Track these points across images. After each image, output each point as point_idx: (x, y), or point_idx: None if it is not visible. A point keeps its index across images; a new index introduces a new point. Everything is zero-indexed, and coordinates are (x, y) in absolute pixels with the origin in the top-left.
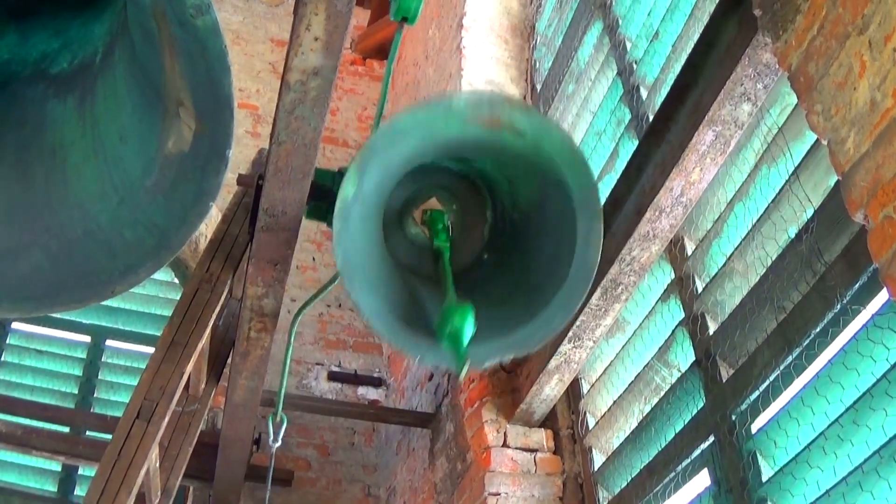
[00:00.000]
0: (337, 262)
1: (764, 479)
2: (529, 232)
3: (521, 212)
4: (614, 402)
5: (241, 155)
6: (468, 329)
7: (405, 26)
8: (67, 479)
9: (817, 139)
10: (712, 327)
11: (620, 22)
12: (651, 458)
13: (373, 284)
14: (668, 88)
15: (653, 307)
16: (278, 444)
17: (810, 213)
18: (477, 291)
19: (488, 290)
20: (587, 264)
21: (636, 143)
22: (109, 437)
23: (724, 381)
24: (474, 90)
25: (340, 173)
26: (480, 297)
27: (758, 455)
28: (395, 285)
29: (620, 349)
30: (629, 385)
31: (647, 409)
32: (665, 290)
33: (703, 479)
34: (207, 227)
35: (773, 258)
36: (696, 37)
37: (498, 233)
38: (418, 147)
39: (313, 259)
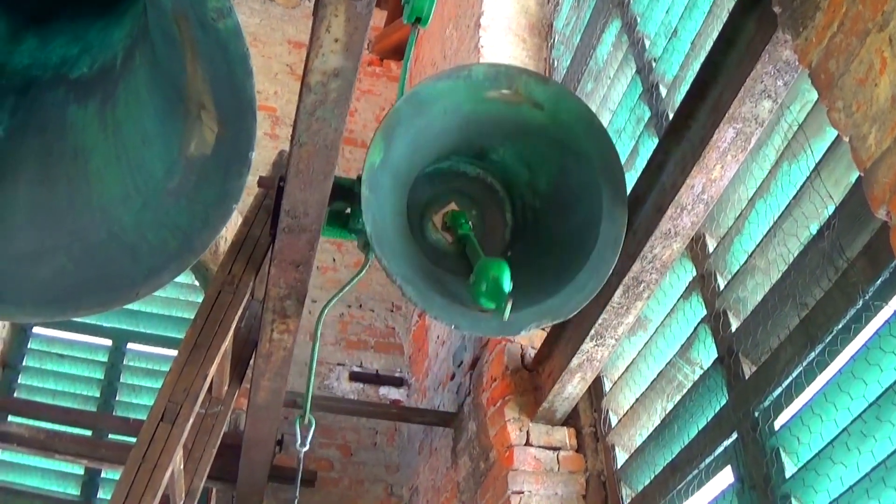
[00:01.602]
0: (367, 227)
1: (787, 475)
2: (553, 211)
3: (542, 197)
4: (637, 399)
5: (259, 157)
6: (506, 276)
7: (419, 28)
8: (90, 482)
9: (838, 135)
10: (734, 324)
11: (639, 20)
12: (674, 456)
13: (401, 255)
14: (687, 86)
15: (675, 305)
16: (306, 448)
17: (832, 209)
18: None
19: (517, 278)
20: (616, 228)
21: (656, 140)
22: (132, 439)
23: (746, 377)
24: (492, 63)
25: (359, 180)
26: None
27: (781, 452)
28: (422, 263)
29: (642, 347)
30: (651, 383)
31: (670, 406)
32: (687, 288)
33: (726, 476)
34: (228, 230)
35: (795, 255)
36: (715, 34)
37: (519, 231)
38: (440, 120)
39: (334, 260)
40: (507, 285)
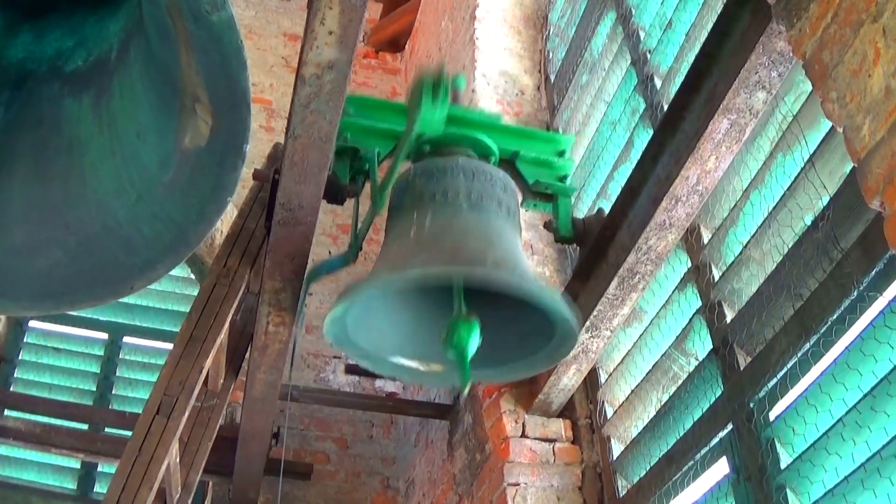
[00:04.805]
0: (328, 339)
1: (783, 466)
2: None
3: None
4: (632, 391)
5: (255, 150)
6: (473, 343)
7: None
8: (86, 476)
9: (832, 126)
10: (729, 315)
11: (633, 11)
12: (669, 447)
13: (371, 333)
14: (682, 77)
15: (670, 296)
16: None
17: (826, 200)
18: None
19: (487, 312)
20: (570, 333)
21: (651, 132)
22: (128, 433)
23: (741, 368)
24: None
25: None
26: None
27: (776, 442)
28: (396, 317)
29: (638, 338)
30: (647, 374)
31: (665, 397)
32: (682, 279)
33: (721, 467)
34: (223, 223)
35: (790, 246)
36: (709, 26)
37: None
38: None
39: (329, 252)
40: (472, 350)
